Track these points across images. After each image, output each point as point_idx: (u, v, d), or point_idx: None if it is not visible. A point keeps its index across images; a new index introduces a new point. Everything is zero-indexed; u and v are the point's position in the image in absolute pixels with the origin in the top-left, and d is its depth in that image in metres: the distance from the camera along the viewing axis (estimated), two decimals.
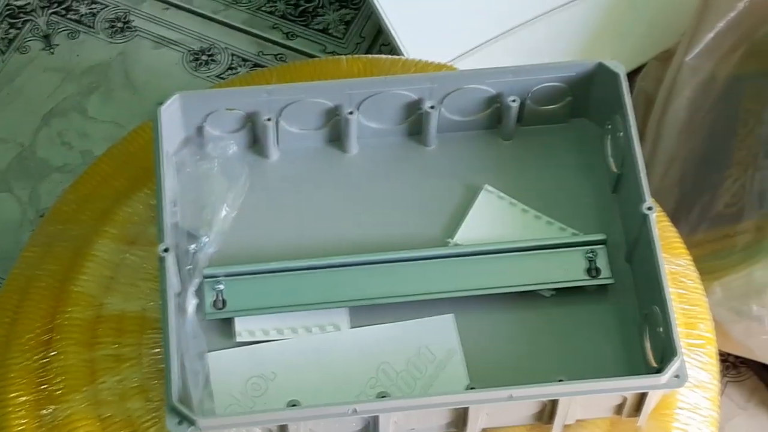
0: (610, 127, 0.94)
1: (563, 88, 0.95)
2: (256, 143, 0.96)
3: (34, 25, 1.34)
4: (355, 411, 0.82)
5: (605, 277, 0.91)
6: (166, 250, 0.86)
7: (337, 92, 0.93)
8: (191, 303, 0.89)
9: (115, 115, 1.30)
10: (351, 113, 0.93)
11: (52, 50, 1.33)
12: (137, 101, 1.30)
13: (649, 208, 0.87)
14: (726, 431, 1.15)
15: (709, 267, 1.05)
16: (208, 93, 0.94)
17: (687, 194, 1.12)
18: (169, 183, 0.90)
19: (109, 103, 1.31)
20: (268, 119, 0.93)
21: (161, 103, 0.91)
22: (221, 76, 1.32)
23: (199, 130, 0.94)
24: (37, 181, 1.27)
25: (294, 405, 0.85)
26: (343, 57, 1.03)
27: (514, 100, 0.94)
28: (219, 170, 0.93)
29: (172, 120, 0.92)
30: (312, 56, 1.33)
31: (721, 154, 1.11)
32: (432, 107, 0.94)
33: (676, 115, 1.14)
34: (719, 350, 0.97)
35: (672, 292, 0.93)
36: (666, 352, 0.84)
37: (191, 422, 0.81)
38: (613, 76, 0.92)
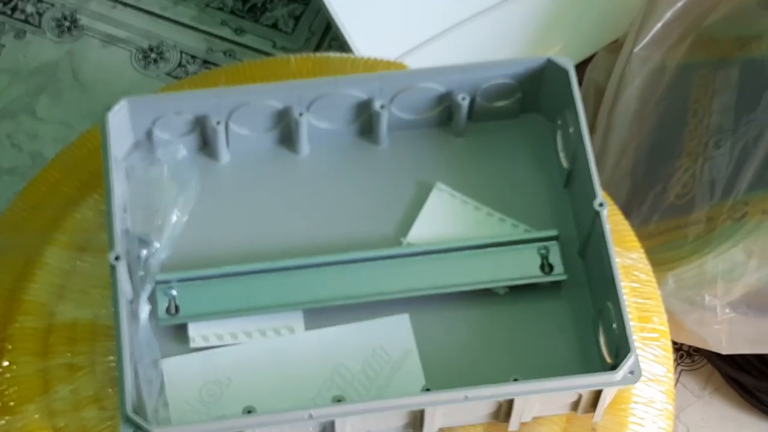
0: (560, 122, 0.94)
1: (513, 85, 0.95)
2: (206, 146, 0.95)
3: None
4: (311, 416, 0.82)
5: (558, 273, 0.91)
6: (117, 258, 0.85)
7: (286, 94, 0.92)
8: (144, 310, 0.88)
9: (65, 116, 1.29)
10: (301, 114, 0.93)
11: None
12: (86, 101, 1.29)
13: (601, 205, 0.88)
14: (682, 420, 1.16)
15: (661, 258, 1.06)
16: (155, 98, 0.93)
17: (639, 185, 1.12)
18: (119, 189, 0.89)
19: (58, 104, 1.29)
20: (218, 122, 0.93)
21: (109, 109, 0.90)
22: (171, 74, 1.31)
23: (148, 134, 0.93)
24: None
25: (250, 411, 0.85)
26: (292, 57, 1.02)
27: (464, 98, 0.94)
28: (169, 175, 0.92)
29: (121, 125, 0.91)
30: (262, 52, 1.32)
31: (671, 144, 1.12)
32: (382, 106, 0.93)
33: (627, 105, 1.14)
34: (673, 340, 0.97)
35: (625, 286, 0.93)
36: (620, 349, 0.85)
37: None
38: (562, 72, 0.92)
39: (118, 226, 0.87)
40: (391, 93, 0.94)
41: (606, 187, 1.12)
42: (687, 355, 1.19)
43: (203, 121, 0.93)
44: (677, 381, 1.17)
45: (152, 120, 0.93)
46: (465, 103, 0.94)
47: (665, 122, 1.13)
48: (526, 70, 0.94)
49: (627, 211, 1.08)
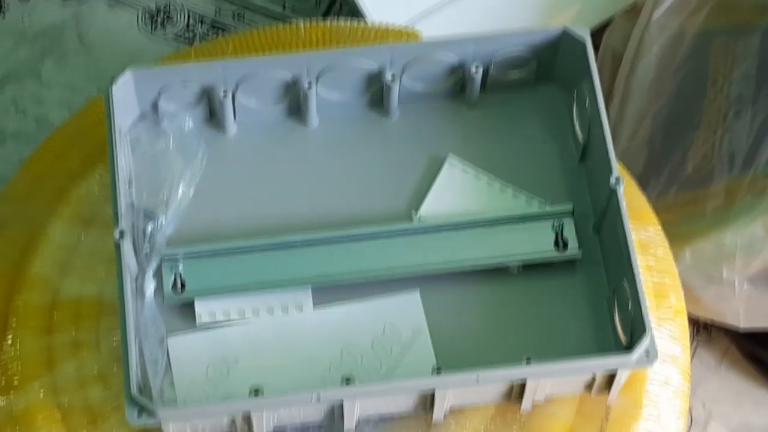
0: (576, 94, 0.91)
1: (527, 55, 0.92)
2: (213, 117, 0.93)
3: None
4: (318, 398, 0.80)
5: (572, 250, 0.89)
6: (121, 234, 0.83)
7: (294, 65, 0.90)
8: (150, 286, 0.86)
9: (70, 80, 1.26)
10: (310, 86, 0.91)
11: (2, 14, 1.29)
12: (92, 64, 1.27)
13: (617, 181, 0.85)
14: (697, 394, 1.14)
15: (679, 232, 1.04)
16: (161, 69, 0.90)
17: (656, 155, 1.10)
18: (124, 163, 0.87)
19: (64, 68, 1.27)
20: (225, 94, 0.90)
21: (113, 81, 0.88)
22: (179, 36, 1.28)
23: (154, 105, 0.91)
24: None
25: (257, 391, 0.83)
26: (302, 24, 1.00)
27: (477, 69, 0.91)
28: (175, 147, 0.90)
29: (125, 97, 0.89)
30: (271, 13, 1.29)
31: (690, 113, 1.09)
32: (393, 78, 0.91)
33: (644, 73, 1.11)
34: (689, 315, 0.95)
35: (641, 263, 0.91)
36: (636, 329, 0.83)
37: (151, 413, 0.80)
38: (579, 43, 0.90)
39: (122, 202, 0.85)
40: (403, 64, 0.91)
41: (622, 157, 1.10)
42: (703, 329, 1.17)
43: (210, 92, 0.91)
44: (693, 355, 1.15)
45: (158, 91, 0.90)
46: (478, 75, 0.92)
47: (684, 91, 1.11)
48: (541, 40, 0.91)
49: (643, 182, 1.06)
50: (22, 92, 1.26)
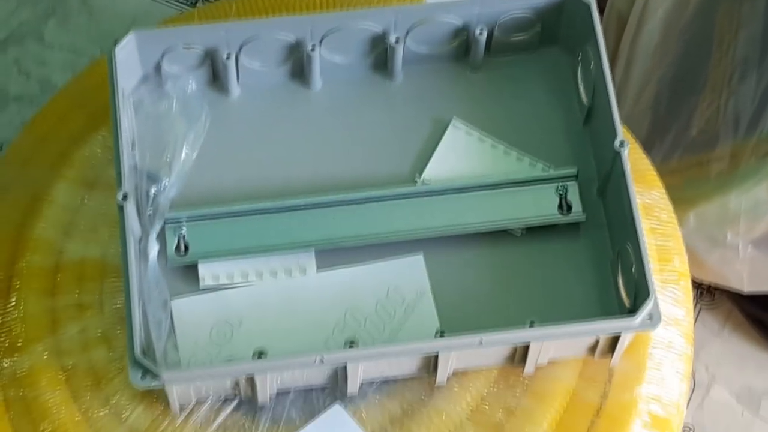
0: (581, 57, 0.91)
1: (532, 17, 0.92)
2: (216, 80, 0.93)
3: None
4: (321, 361, 0.81)
5: (576, 213, 0.88)
6: (125, 197, 0.83)
7: (298, 27, 0.90)
8: (153, 249, 0.86)
9: (73, 41, 1.26)
10: (313, 49, 0.90)
11: None
12: (95, 26, 1.26)
13: (622, 144, 0.85)
14: (700, 358, 1.14)
15: (683, 196, 1.03)
16: (164, 31, 0.90)
17: (661, 119, 1.09)
18: (127, 125, 0.87)
19: (67, 29, 1.27)
20: (228, 56, 0.90)
21: (116, 43, 0.87)
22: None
23: (157, 67, 0.91)
24: None
25: (261, 354, 0.83)
26: None
27: (481, 31, 0.91)
28: (178, 109, 0.90)
29: (128, 59, 0.89)
30: None
31: (695, 76, 1.08)
32: (397, 41, 0.91)
33: (650, 35, 1.11)
34: (693, 278, 0.95)
35: (645, 226, 0.91)
36: (639, 292, 0.83)
37: (155, 375, 0.80)
38: (584, 6, 0.89)
39: (125, 164, 0.85)
40: (407, 26, 0.91)
41: (627, 120, 1.09)
42: (707, 292, 1.17)
43: (213, 54, 0.91)
44: (696, 318, 1.15)
45: (161, 53, 0.90)
46: (482, 37, 0.91)
47: (689, 54, 1.10)
48: (546, 3, 0.91)
49: (648, 146, 1.05)
50: (25, 54, 1.26)
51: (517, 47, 0.94)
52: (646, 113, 1.11)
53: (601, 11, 1.12)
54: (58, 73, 1.24)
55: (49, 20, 1.27)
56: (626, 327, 0.82)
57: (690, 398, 0.94)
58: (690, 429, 1.14)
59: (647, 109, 1.10)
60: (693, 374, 1.12)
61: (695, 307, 1.14)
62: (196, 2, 1.28)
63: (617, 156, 0.85)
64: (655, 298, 0.81)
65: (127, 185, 0.84)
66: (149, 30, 0.89)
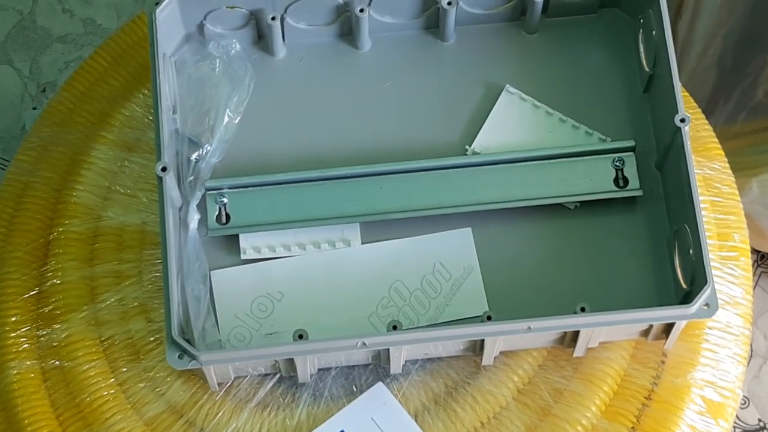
0: (642, 20, 0.86)
1: None
2: (261, 40, 0.89)
3: None
4: (364, 344, 0.78)
5: (633, 188, 0.85)
6: (164, 169, 0.80)
7: None
8: (193, 219, 0.84)
9: None
10: (362, 10, 0.86)
11: None
12: None
13: (683, 121, 0.81)
14: (759, 326, 1.11)
15: (746, 162, 0.99)
16: None
17: (726, 77, 1.04)
18: (168, 90, 0.83)
19: None
20: (273, 17, 0.86)
21: (157, 4, 0.84)
22: None
23: (200, 28, 0.87)
24: (37, 53, 1.21)
25: (300, 336, 0.81)
26: None
27: None
28: (221, 71, 0.87)
29: (170, 20, 0.85)
30: None
31: (763, 34, 1.03)
32: (450, 2, 0.86)
33: None
34: (753, 248, 0.91)
35: (705, 200, 0.87)
36: (696, 278, 0.79)
37: (192, 357, 0.78)
38: None
39: (165, 133, 0.81)
40: None
41: (689, 78, 1.04)
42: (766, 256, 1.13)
43: (258, 14, 0.87)
44: (755, 284, 1.11)
45: (203, 14, 0.86)
46: None
47: (757, 9, 1.04)
48: None
49: (710, 107, 1.01)
50: None
51: (576, 8, 0.89)
52: (710, 71, 1.06)
53: None
54: (102, 11, 1.21)
55: None
56: (681, 315, 0.79)
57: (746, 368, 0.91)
58: (745, 401, 1.11)
59: (711, 67, 1.05)
60: (750, 343, 1.09)
61: (754, 273, 1.10)
62: None
63: (678, 131, 0.81)
64: (713, 287, 0.78)
65: (167, 155, 0.81)
66: None
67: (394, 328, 0.80)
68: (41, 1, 1.22)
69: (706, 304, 0.79)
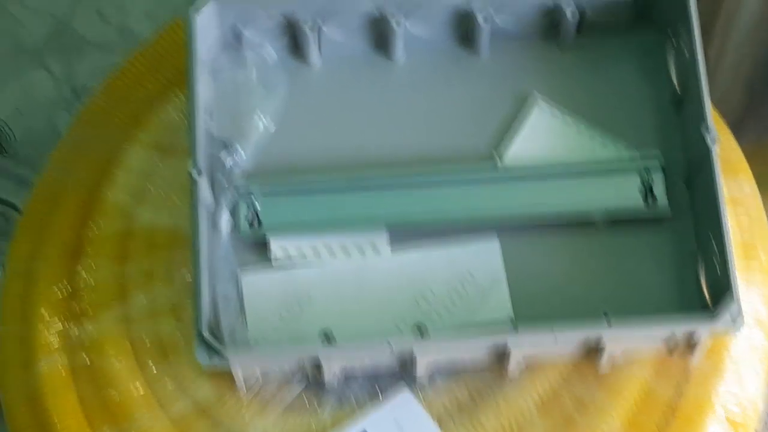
0: (674, 41, 0.87)
1: None
2: (297, 49, 0.90)
3: None
4: (390, 348, 0.79)
5: (662, 206, 0.85)
6: (198, 172, 0.82)
7: (383, 1, 0.87)
8: (225, 221, 0.85)
9: None
10: (398, 24, 0.88)
11: None
12: None
13: (713, 141, 0.82)
14: None
15: None
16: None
17: (756, 98, 1.05)
18: (203, 95, 0.85)
19: None
20: (310, 26, 0.88)
21: (195, 9, 0.85)
22: None
23: (236, 34, 0.89)
24: (73, 58, 1.22)
25: (327, 338, 0.82)
26: None
27: (573, 12, 0.88)
28: (257, 78, 0.88)
29: (207, 26, 0.86)
30: None
31: None
32: (485, 19, 0.88)
33: (749, 9, 1.06)
34: None
35: (732, 221, 0.88)
36: (722, 293, 0.80)
37: (221, 355, 0.79)
38: None
39: (200, 137, 0.83)
40: (495, 4, 0.88)
41: (719, 98, 1.05)
42: None
43: (294, 23, 0.88)
44: None
45: (240, 20, 0.88)
46: (574, 18, 0.88)
47: None
48: None
49: (740, 126, 1.01)
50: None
51: (609, 27, 0.90)
52: (740, 91, 1.07)
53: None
54: (139, 19, 1.23)
55: None
56: (707, 329, 0.80)
57: None
58: None
59: (742, 86, 1.06)
60: None
61: None
62: None
63: (707, 152, 0.82)
64: (739, 303, 0.79)
65: (201, 158, 0.82)
66: None
67: (419, 330, 0.81)
68: (78, 7, 1.24)
69: (732, 319, 0.79)
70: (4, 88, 1.21)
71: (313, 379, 0.84)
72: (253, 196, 0.86)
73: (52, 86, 1.21)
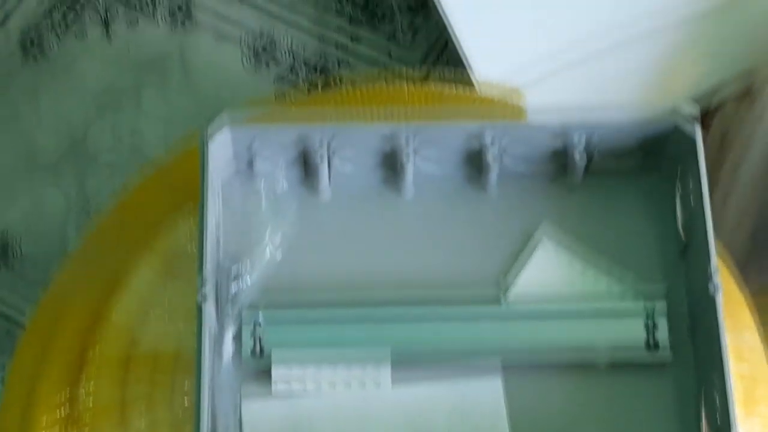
0: (681, 191, 0.89)
1: (634, 146, 0.89)
2: (307, 178, 0.92)
3: (93, 9, 1.30)
4: None
5: (664, 353, 0.86)
6: (205, 299, 0.82)
7: (394, 137, 0.88)
8: (228, 349, 0.85)
9: (169, 113, 1.26)
10: (408, 159, 0.89)
11: (109, 39, 1.29)
12: (193, 98, 1.26)
13: (716, 289, 0.82)
14: None
15: None
16: (258, 127, 0.89)
17: (760, 249, 1.06)
18: (214, 223, 0.86)
19: (164, 99, 1.27)
20: (321, 159, 0.89)
21: (210, 138, 0.86)
22: (281, 76, 1.27)
23: (249, 161, 0.90)
24: (84, 176, 1.24)
25: None
26: (406, 86, 0.98)
27: (581, 156, 0.89)
28: (267, 207, 0.89)
29: (220, 152, 0.88)
30: (377, 61, 1.28)
31: None
32: (494, 159, 0.89)
33: (755, 163, 1.08)
34: None
35: (734, 370, 0.88)
36: None
37: None
38: (689, 140, 0.87)
39: (209, 263, 0.83)
40: (505, 145, 0.89)
41: (723, 244, 1.06)
42: None
43: (306, 154, 0.90)
44: None
45: (253, 148, 0.89)
46: (582, 162, 0.89)
47: None
48: (650, 132, 0.89)
49: (745, 274, 1.02)
50: (122, 120, 1.26)
51: (617, 171, 0.91)
52: (745, 242, 1.07)
53: (707, 128, 1.10)
54: (150, 142, 1.24)
55: (147, 89, 1.27)
56: None
57: None
58: None
59: (746, 239, 1.07)
60: None
61: None
62: (296, 82, 1.27)
63: (711, 300, 0.83)
64: None
65: (209, 285, 0.83)
66: (243, 125, 0.88)
67: None
68: (93, 127, 1.26)
69: None
70: (14, 203, 1.22)
71: None
72: (256, 324, 0.86)
73: (62, 203, 1.22)
